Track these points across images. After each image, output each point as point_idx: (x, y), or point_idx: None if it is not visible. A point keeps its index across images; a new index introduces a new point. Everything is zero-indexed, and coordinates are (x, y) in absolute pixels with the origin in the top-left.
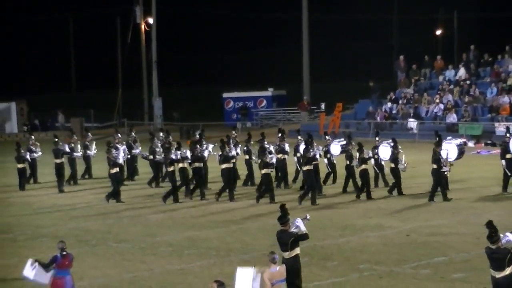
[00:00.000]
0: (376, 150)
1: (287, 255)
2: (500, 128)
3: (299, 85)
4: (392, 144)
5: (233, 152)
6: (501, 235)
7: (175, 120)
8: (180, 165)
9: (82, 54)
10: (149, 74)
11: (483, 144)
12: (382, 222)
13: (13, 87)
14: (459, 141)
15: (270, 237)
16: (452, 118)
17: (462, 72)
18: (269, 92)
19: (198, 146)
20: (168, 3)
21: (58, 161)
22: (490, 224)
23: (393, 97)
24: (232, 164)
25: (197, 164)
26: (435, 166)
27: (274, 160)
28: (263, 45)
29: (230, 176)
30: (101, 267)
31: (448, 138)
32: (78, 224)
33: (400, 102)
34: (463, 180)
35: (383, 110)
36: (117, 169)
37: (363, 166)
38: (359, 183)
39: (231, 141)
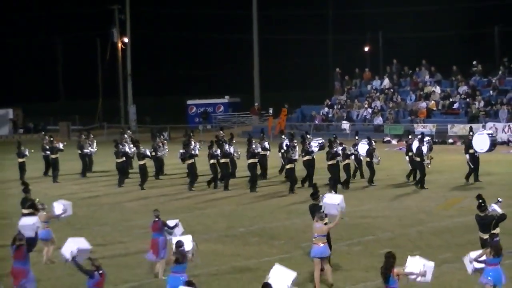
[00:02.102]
0: (356, 147)
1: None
2: (418, 128)
3: (251, 94)
4: (368, 142)
5: (230, 150)
6: (488, 205)
7: (147, 123)
8: (212, 161)
9: (69, 68)
10: (125, 85)
11: (404, 142)
12: None
13: (10, 96)
14: (427, 138)
15: (226, 220)
16: (378, 120)
17: (386, 82)
18: (225, 100)
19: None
20: (140, 26)
21: (53, 156)
22: (480, 197)
23: (329, 103)
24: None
25: (224, 160)
26: (418, 158)
27: (296, 156)
28: (221, 60)
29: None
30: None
31: (418, 136)
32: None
33: (335, 107)
34: (388, 172)
35: (321, 114)
36: (145, 161)
37: (347, 161)
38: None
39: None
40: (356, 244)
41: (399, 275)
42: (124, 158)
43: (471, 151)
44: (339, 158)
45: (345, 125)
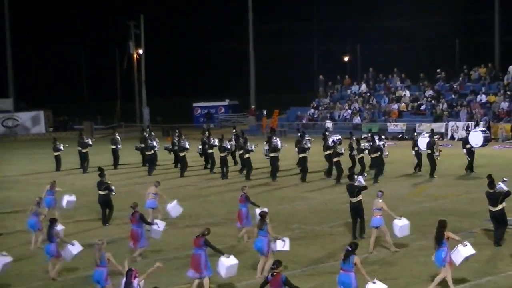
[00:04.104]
0: (369, 143)
1: (354, 200)
2: (391, 126)
3: (247, 97)
4: (378, 138)
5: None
6: (496, 184)
7: (159, 123)
8: (246, 155)
9: (92, 75)
10: (140, 90)
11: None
12: (308, 195)
13: (41, 100)
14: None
15: (227, 206)
16: (357, 120)
17: (363, 87)
18: (226, 102)
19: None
20: (153, 39)
21: (83, 150)
22: (490, 176)
23: (315, 105)
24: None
25: (272, 154)
26: (429, 151)
27: (342, 150)
28: (222, 68)
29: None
30: (105, 228)
31: (424, 133)
32: (89, 198)
33: (320, 108)
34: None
35: (308, 114)
36: (185, 153)
37: (361, 155)
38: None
39: (233, 137)
40: (338, 226)
41: (448, 237)
42: (152, 151)
43: (467, 146)
44: (355, 152)
45: (328, 124)
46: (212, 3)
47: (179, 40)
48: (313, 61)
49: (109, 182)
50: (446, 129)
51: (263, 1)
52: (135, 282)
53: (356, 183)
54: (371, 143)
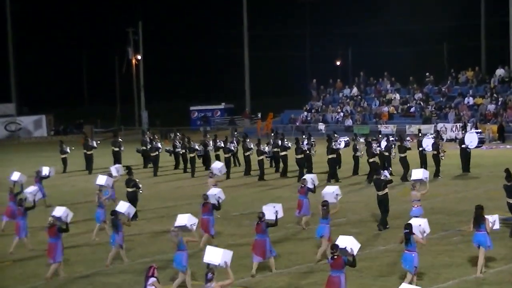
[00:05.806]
0: (379, 144)
1: (380, 193)
2: (382, 128)
3: (243, 101)
4: (386, 139)
5: (251, 146)
6: None
7: (157, 125)
8: (261, 157)
9: (92, 79)
10: (138, 94)
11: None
12: None
13: (43, 104)
14: (431, 136)
15: (224, 206)
16: (349, 122)
17: (355, 90)
18: (222, 106)
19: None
20: (150, 45)
21: (88, 152)
22: (507, 170)
23: (308, 108)
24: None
25: (299, 156)
26: (435, 152)
27: (377, 151)
28: (218, 73)
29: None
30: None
31: (428, 135)
32: (94, 198)
33: (312, 111)
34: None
35: (301, 117)
36: (194, 154)
37: (373, 159)
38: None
39: (234, 139)
40: (330, 225)
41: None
42: (157, 152)
43: (463, 146)
44: (359, 153)
45: (321, 126)
46: (208, 10)
47: (177, 45)
48: (306, 66)
49: (137, 180)
50: (435, 131)
51: (258, 8)
52: (150, 280)
53: (382, 177)
54: (400, 143)
